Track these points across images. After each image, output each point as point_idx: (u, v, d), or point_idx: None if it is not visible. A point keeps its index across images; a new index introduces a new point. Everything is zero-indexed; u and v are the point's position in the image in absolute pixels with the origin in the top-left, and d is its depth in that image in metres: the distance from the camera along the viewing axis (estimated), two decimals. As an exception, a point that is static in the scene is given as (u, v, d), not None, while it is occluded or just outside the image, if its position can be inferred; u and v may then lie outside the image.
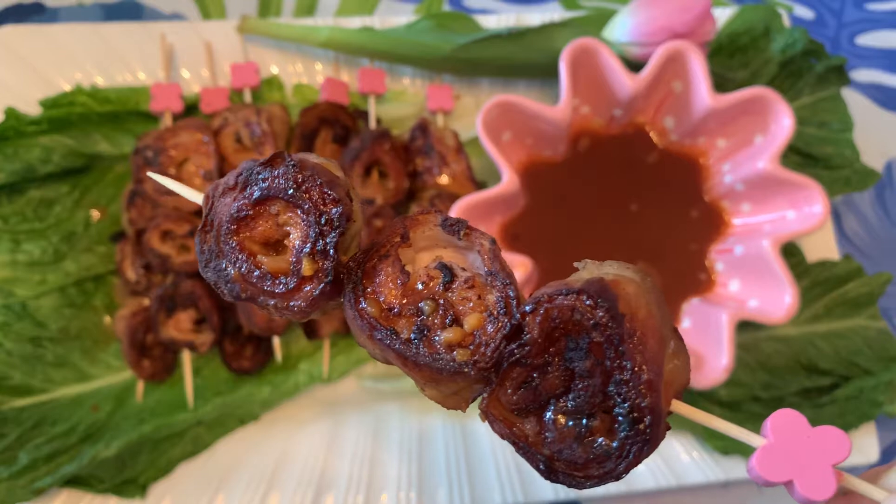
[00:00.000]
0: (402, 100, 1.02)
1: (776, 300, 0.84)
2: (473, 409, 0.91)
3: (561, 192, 0.93)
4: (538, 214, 0.92)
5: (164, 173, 0.87)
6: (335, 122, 0.93)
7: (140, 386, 0.87)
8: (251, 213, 0.45)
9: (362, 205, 0.87)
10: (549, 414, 0.42)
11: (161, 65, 0.98)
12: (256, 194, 0.45)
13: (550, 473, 0.41)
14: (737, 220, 0.93)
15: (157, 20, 1.10)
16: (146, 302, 0.88)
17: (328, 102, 0.93)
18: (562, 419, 0.42)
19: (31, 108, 0.93)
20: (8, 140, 0.90)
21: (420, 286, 0.45)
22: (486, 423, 0.43)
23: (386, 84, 0.99)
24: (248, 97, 0.96)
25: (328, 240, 0.43)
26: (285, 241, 0.46)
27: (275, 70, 1.01)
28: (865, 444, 0.92)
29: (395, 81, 1.03)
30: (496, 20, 1.06)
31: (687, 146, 0.95)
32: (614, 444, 0.40)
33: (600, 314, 0.40)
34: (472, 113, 1.01)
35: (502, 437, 0.43)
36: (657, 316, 0.42)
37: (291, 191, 0.44)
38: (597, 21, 0.99)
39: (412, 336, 0.43)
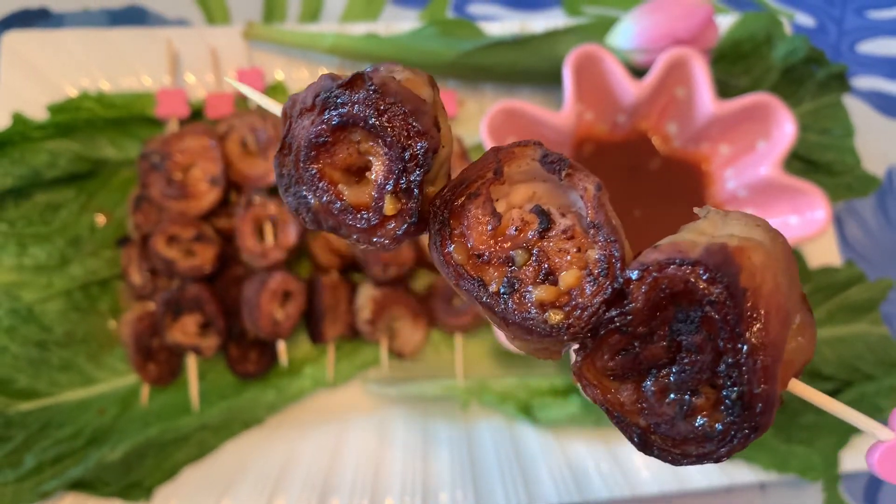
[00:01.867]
0: (406, 105, 1.03)
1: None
2: (477, 414, 0.91)
3: (565, 198, 0.94)
4: (542, 220, 0.92)
5: (170, 179, 0.88)
6: (340, 127, 0.93)
7: (145, 390, 0.87)
8: (330, 139, 0.42)
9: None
10: (648, 384, 0.38)
11: (166, 70, 0.98)
12: (336, 121, 0.41)
13: (644, 446, 0.38)
14: (739, 225, 0.94)
15: (161, 25, 1.11)
16: (151, 306, 0.89)
17: (333, 108, 0.94)
18: (662, 391, 0.37)
19: (38, 113, 0.93)
20: (15, 145, 0.90)
21: (513, 231, 0.41)
22: (578, 385, 0.40)
23: (390, 90, 0.99)
24: (253, 103, 0.96)
25: (413, 178, 0.40)
26: (367, 173, 0.42)
27: (280, 76, 1.02)
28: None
29: (400, 87, 1.04)
30: (500, 27, 1.06)
31: (690, 152, 0.96)
32: (718, 427, 0.36)
33: (718, 290, 0.35)
34: (476, 118, 1.02)
35: (595, 401, 0.39)
36: (785, 288, 0.36)
37: (373, 120, 0.40)
38: (600, 28, 0.99)
39: (501, 290, 0.40)
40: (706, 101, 0.88)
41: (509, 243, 0.41)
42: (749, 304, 0.35)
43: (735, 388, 0.35)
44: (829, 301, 0.97)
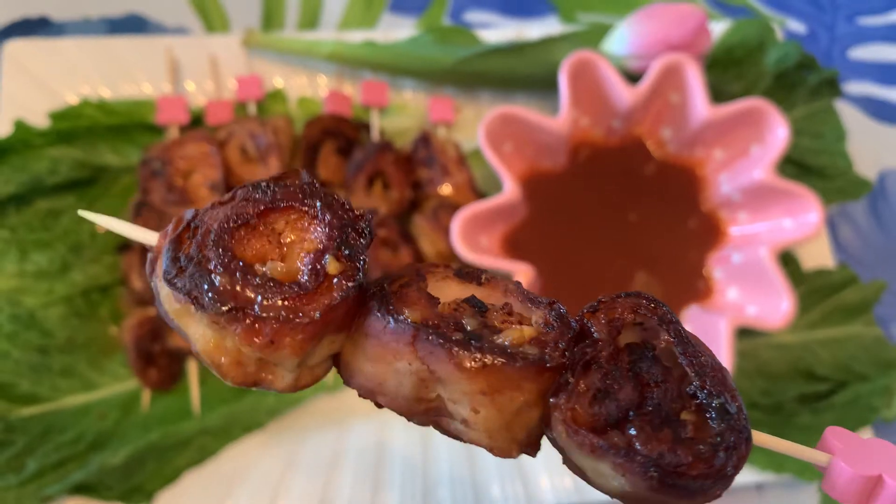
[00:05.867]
0: (404, 112, 1.04)
1: (773, 307, 0.85)
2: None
3: (561, 202, 0.95)
4: (539, 224, 0.93)
5: (171, 185, 0.88)
6: (339, 134, 0.94)
7: (146, 394, 0.87)
8: (253, 220, 0.40)
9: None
10: (633, 427, 0.37)
11: (166, 78, 1.00)
12: (264, 203, 0.40)
13: (664, 478, 0.36)
14: (734, 228, 0.95)
15: (161, 34, 1.12)
16: (152, 311, 0.89)
17: (332, 115, 0.95)
18: (649, 427, 0.37)
19: (39, 121, 0.94)
20: (16, 152, 0.91)
21: (454, 312, 0.40)
22: (568, 439, 0.37)
23: (388, 97, 1.00)
24: (252, 110, 0.98)
25: (360, 241, 0.39)
26: (297, 249, 0.40)
27: (279, 83, 1.03)
28: (862, 450, 0.94)
29: (398, 94, 1.05)
30: (496, 34, 1.08)
31: (684, 156, 0.97)
32: (718, 439, 0.37)
33: (665, 310, 0.39)
34: (473, 125, 1.03)
35: (593, 450, 0.37)
36: None
37: (310, 200, 0.40)
38: (595, 35, 1.01)
39: (467, 338, 0.38)
40: (700, 106, 0.90)
41: (455, 317, 0.40)
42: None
43: (715, 398, 0.37)
44: (823, 303, 0.98)
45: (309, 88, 1.04)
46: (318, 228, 0.41)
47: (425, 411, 0.40)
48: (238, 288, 0.38)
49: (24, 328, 0.87)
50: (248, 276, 0.39)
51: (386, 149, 0.91)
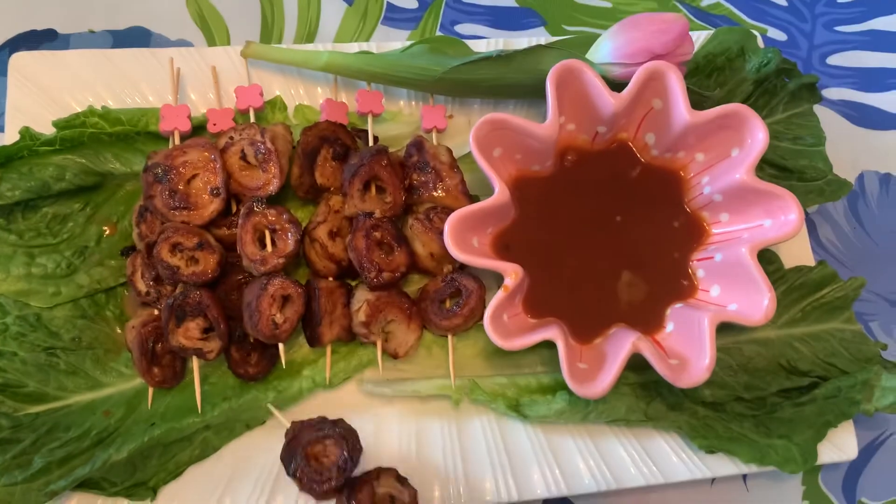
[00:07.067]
0: (398, 120, 1.08)
1: (754, 303, 0.88)
2: (469, 411, 0.94)
3: (549, 205, 0.98)
4: (528, 225, 0.97)
5: (173, 190, 0.92)
6: (335, 140, 0.98)
7: (150, 393, 0.90)
8: None
9: (362, 217, 0.92)
10: None
11: (169, 88, 1.03)
12: None
13: None
14: (716, 229, 0.98)
15: (164, 47, 1.16)
16: (156, 312, 0.92)
17: (328, 122, 0.99)
18: None
19: (45, 131, 0.97)
20: (22, 159, 0.94)
21: None
22: None
23: (383, 105, 1.04)
24: (252, 118, 1.01)
25: None
26: None
27: (278, 92, 1.06)
28: (845, 443, 0.97)
29: (392, 103, 1.09)
30: (485, 45, 1.12)
31: (668, 160, 1.01)
32: None
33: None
34: (464, 131, 1.07)
35: None
36: None
37: None
38: (581, 44, 1.05)
39: None
40: (682, 111, 0.93)
41: None
42: None
43: None
44: (804, 300, 1.02)
45: (307, 98, 1.07)
46: None
47: None
48: None
49: (30, 329, 0.90)
50: None
51: (381, 154, 0.95)
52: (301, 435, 0.83)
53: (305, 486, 0.81)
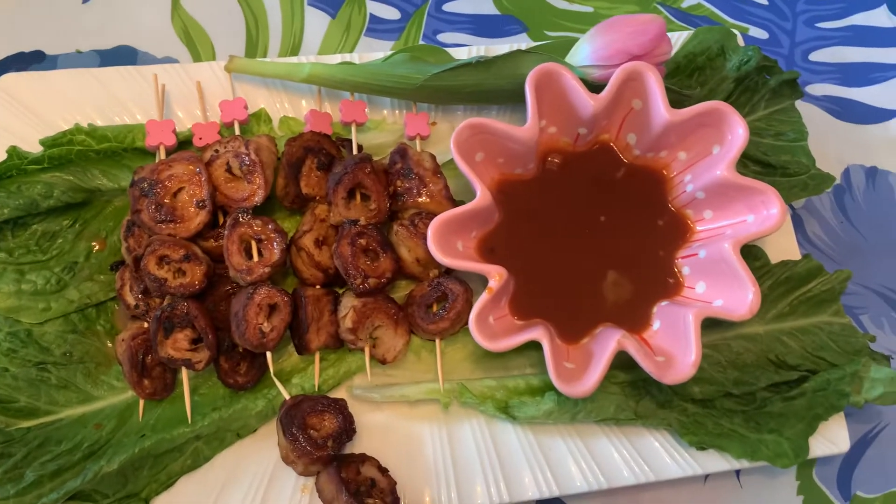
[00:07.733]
0: (381, 128, 1.09)
1: (739, 298, 0.89)
2: (458, 414, 0.94)
3: (533, 207, 0.99)
4: (513, 228, 0.97)
5: (160, 204, 0.93)
6: (319, 150, 0.99)
7: (141, 404, 0.91)
8: None
9: (347, 224, 0.93)
10: None
11: (155, 104, 1.04)
12: None
13: None
14: (700, 226, 0.99)
15: (150, 64, 1.17)
16: (146, 325, 0.93)
17: (312, 132, 1.00)
18: None
19: (34, 150, 0.98)
20: (11, 178, 0.96)
21: None
22: None
23: (366, 114, 1.05)
24: (237, 131, 1.02)
25: None
26: None
27: (262, 105, 1.08)
28: (836, 436, 0.96)
29: (375, 112, 1.10)
30: (467, 52, 1.13)
31: (650, 160, 1.01)
32: None
33: None
34: (448, 138, 1.07)
35: None
36: None
37: None
38: (561, 48, 1.06)
39: None
40: (661, 110, 0.94)
41: None
42: None
43: None
44: (792, 294, 1.02)
45: (291, 110, 1.09)
46: None
47: None
48: None
49: (21, 345, 0.91)
50: None
51: (364, 162, 0.96)
52: (303, 403, 0.87)
53: (300, 447, 0.83)
